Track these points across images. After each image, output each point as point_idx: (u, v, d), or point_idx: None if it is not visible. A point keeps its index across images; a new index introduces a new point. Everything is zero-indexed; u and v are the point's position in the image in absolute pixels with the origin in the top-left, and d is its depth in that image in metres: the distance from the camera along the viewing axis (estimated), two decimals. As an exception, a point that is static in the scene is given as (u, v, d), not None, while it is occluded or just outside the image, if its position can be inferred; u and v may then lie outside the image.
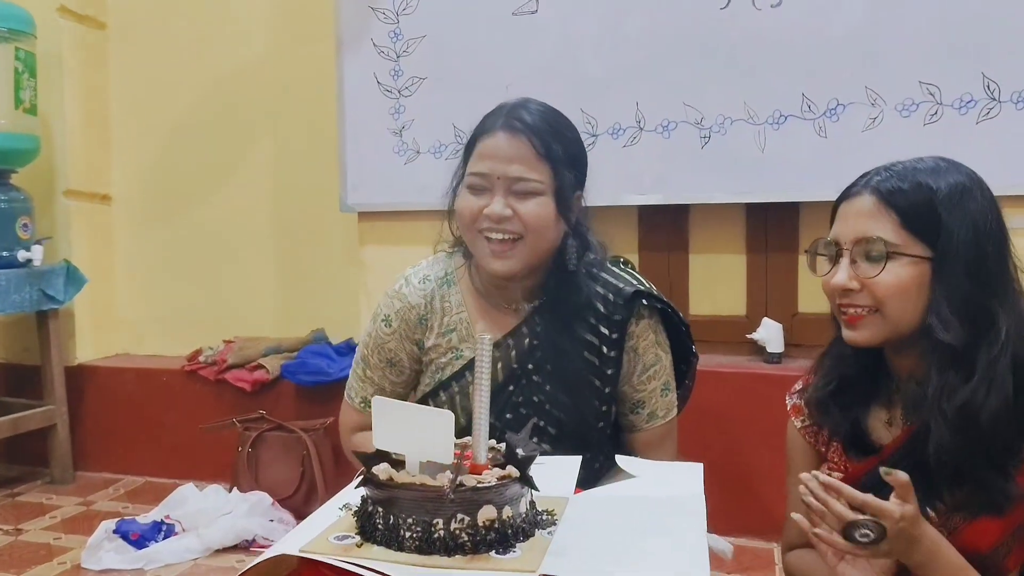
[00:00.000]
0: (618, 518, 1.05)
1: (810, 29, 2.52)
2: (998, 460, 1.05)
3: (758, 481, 2.58)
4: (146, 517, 2.71)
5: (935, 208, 1.08)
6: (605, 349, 1.47)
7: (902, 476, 0.99)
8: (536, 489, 0.99)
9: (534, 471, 0.99)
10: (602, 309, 1.47)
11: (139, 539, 2.57)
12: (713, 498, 1.10)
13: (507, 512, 0.94)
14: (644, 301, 1.49)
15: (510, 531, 0.94)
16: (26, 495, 3.17)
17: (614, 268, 1.53)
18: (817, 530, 1.02)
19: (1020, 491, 1.05)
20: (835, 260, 1.13)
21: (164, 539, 2.60)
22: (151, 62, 3.47)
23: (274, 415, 2.97)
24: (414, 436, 0.98)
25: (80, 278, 3.23)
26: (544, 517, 1.01)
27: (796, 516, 1.06)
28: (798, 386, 1.30)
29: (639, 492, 1.14)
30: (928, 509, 1.06)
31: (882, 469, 1.02)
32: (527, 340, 1.48)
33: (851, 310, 1.12)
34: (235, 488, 2.87)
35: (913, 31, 2.44)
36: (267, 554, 0.94)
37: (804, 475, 1.04)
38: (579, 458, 1.23)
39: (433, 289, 1.54)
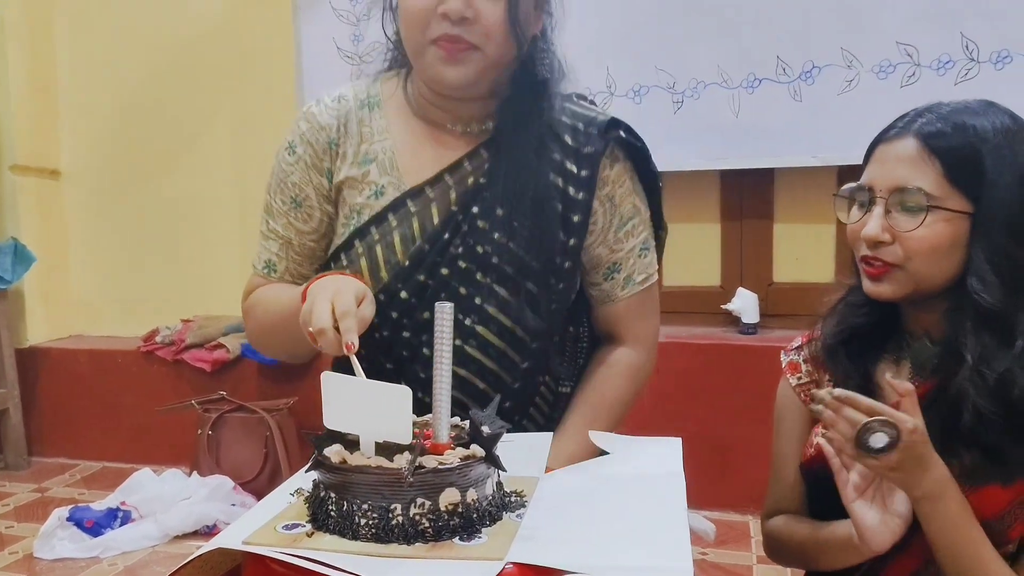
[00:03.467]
0: (593, 498, 0.98)
1: (784, -12, 2.45)
2: (1020, 430, 0.99)
3: (733, 453, 2.53)
4: (101, 504, 2.62)
5: (981, 159, 1.00)
6: (572, 190, 1.21)
7: (906, 384, 0.95)
8: (503, 469, 0.91)
9: (501, 449, 0.91)
10: (569, 141, 1.22)
11: (94, 526, 2.48)
12: (687, 472, 1.04)
13: (471, 495, 0.87)
14: (622, 133, 1.24)
15: (475, 515, 0.87)
16: (-23, 483, 3.06)
17: (581, 100, 1.28)
18: (828, 433, 0.97)
19: None
20: (867, 207, 1.06)
21: (120, 526, 2.51)
22: (101, 29, 3.32)
23: (235, 396, 2.88)
24: (368, 414, 0.89)
25: (28, 256, 3.11)
26: (512, 499, 0.94)
27: (820, 439, 1.00)
28: (796, 342, 1.24)
29: (615, 470, 1.07)
30: None
31: (886, 375, 0.99)
32: (471, 178, 1.21)
33: (877, 263, 1.05)
34: (195, 472, 2.78)
35: (890, -10, 2.38)
36: (208, 546, 0.85)
37: (818, 391, 0.99)
38: (550, 435, 1.14)
39: (350, 110, 1.26)
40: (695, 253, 2.79)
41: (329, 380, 0.91)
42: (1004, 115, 1.04)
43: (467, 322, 1.20)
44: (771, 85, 2.49)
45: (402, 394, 0.87)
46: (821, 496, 1.13)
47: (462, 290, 1.20)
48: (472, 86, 1.16)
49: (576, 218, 1.22)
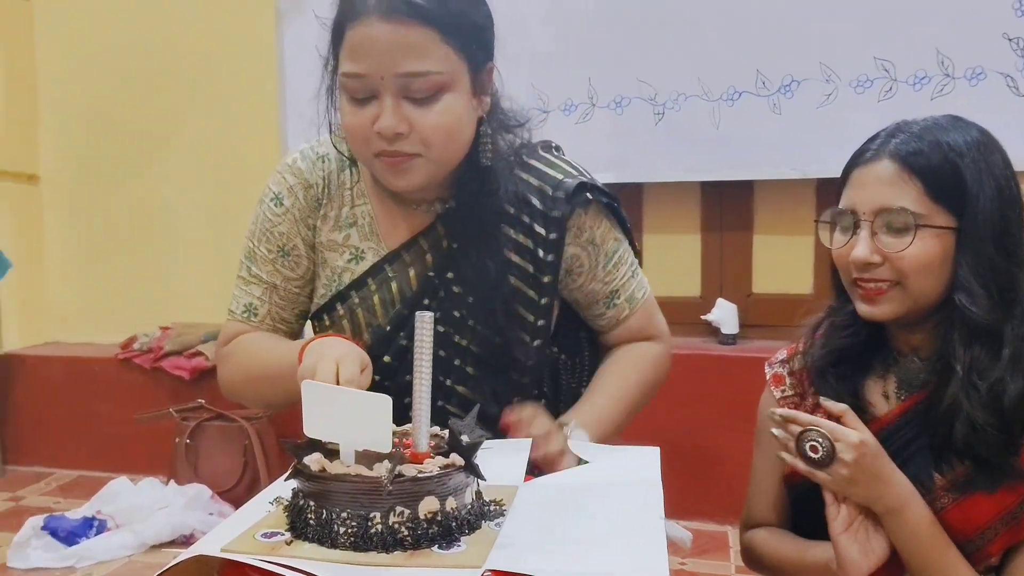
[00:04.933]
0: (571, 507, 0.98)
1: (765, 4, 2.48)
2: (1011, 439, 1.02)
3: (712, 464, 2.54)
4: (76, 513, 2.59)
5: (960, 174, 1.02)
6: (541, 252, 1.23)
7: (839, 404, 1.02)
8: (483, 479, 0.92)
9: (480, 457, 0.91)
10: (538, 204, 1.23)
11: (68, 535, 2.45)
12: (666, 481, 1.05)
13: (451, 503, 0.87)
14: (588, 195, 1.24)
15: (454, 524, 0.87)
16: (-50, 491, 3.01)
17: (546, 155, 1.29)
18: (782, 453, 1.04)
19: (1018, 473, 1.02)
20: (851, 231, 1.07)
21: (96, 535, 2.48)
22: (80, 31, 3.29)
23: (214, 404, 2.85)
24: (348, 423, 0.89)
25: (4, 262, 3.06)
26: (491, 508, 0.94)
27: (776, 432, 1.04)
28: (780, 355, 1.25)
29: (593, 479, 1.07)
30: (926, 480, 1.04)
31: (821, 398, 1.06)
32: (444, 241, 1.24)
33: (871, 284, 1.06)
34: (172, 481, 2.75)
35: (867, 6, 2.41)
36: (186, 554, 0.84)
37: (770, 411, 1.06)
38: (529, 442, 1.15)
39: (332, 171, 1.27)
40: (675, 264, 2.80)
41: (309, 388, 0.91)
42: (973, 129, 1.06)
43: (447, 382, 1.25)
44: (751, 98, 2.51)
45: (382, 403, 0.87)
46: (802, 509, 1.15)
47: (441, 352, 1.21)
48: (422, 188, 1.19)
49: (546, 279, 1.25)
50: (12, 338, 3.31)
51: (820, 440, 0.99)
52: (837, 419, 1.02)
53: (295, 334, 1.35)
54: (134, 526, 2.50)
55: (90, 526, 2.51)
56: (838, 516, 1.02)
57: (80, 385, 3.20)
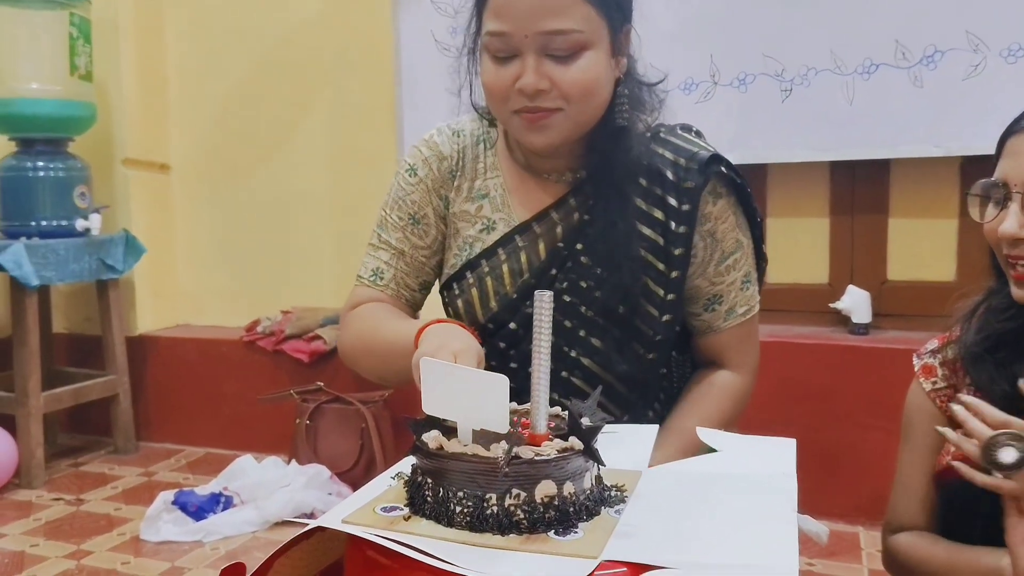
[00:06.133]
0: (698, 495, 0.92)
1: (904, -32, 2.31)
2: None
3: (842, 460, 2.41)
4: (204, 488, 2.68)
5: None
6: (673, 225, 1.21)
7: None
8: (602, 464, 0.87)
9: (602, 441, 0.86)
10: (670, 176, 1.21)
11: (197, 510, 2.54)
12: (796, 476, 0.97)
13: (568, 488, 0.82)
14: (723, 168, 1.21)
15: (571, 509, 0.82)
16: (89, 465, 3.18)
17: (684, 133, 1.27)
18: (956, 462, 0.94)
19: None
20: (1002, 204, 0.99)
21: (223, 511, 2.57)
22: (207, 26, 3.41)
23: (332, 387, 2.91)
24: (465, 401, 0.86)
25: (139, 248, 3.21)
26: (612, 494, 0.89)
27: (950, 435, 0.94)
28: (931, 345, 1.16)
29: (722, 468, 1.01)
30: None
31: (958, 396, 0.95)
32: (576, 214, 1.23)
33: (1022, 263, 0.97)
34: (293, 460, 2.82)
35: (1021, -34, 2.22)
36: (311, 525, 0.84)
37: (955, 400, 0.95)
38: (655, 427, 1.09)
39: (467, 145, 1.30)
40: (801, 249, 2.66)
41: (428, 366, 0.89)
42: None
43: (572, 354, 1.24)
44: (889, 71, 2.35)
45: (500, 382, 0.84)
46: (955, 510, 1.05)
47: (567, 323, 1.23)
48: (559, 147, 1.19)
49: (678, 251, 1.22)
50: (146, 320, 3.46)
51: (1015, 443, 0.87)
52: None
53: (417, 304, 1.36)
54: (258, 503, 2.57)
55: (217, 501, 2.59)
56: (1020, 524, 0.92)
57: (208, 366, 3.33)
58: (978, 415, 0.91)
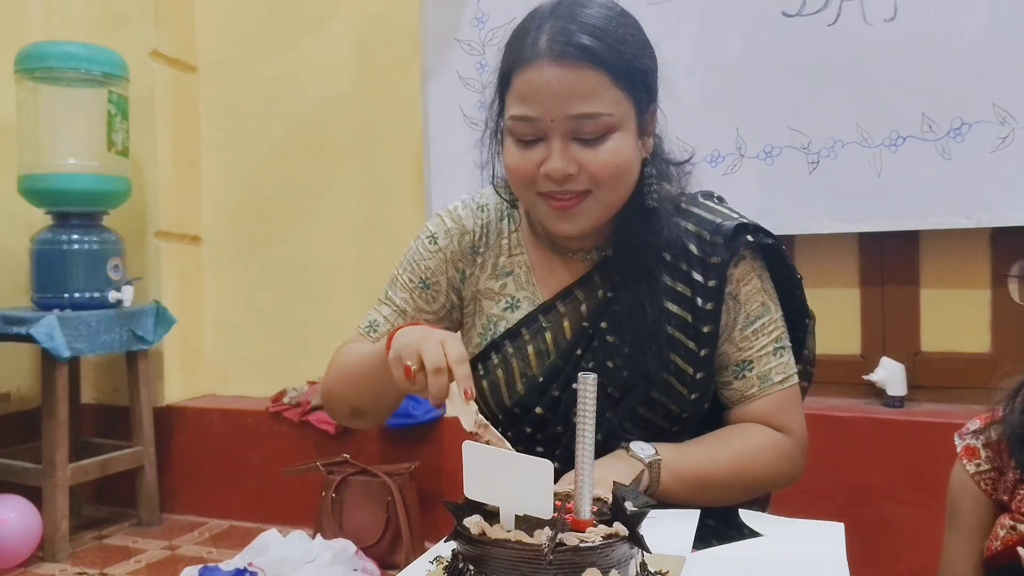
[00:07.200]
0: (746, 584, 0.89)
1: (929, 43, 2.33)
2: None
3: (879, 537, 2.34)
4: (229, 564, 2.64)
5: None
6: (700, 301, 1.18)
7: None
8: (648, 551, 0.85)
9: (646, 526, 0.84)
10: (695, 251, 1.18)
11: (221, 586, 2.50)
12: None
13: (615, 576, 0.80)
14: (749, 237, 1.18)
15: (619, 599, 0.80)
16: (113, 537, 3.15)
17: (706, 202, 1.24)
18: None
19: None
20: None
21: (246, 587, 2.52)
22: (239, 103, 3.50)
23: (358, 459, 2.89)
24: (508, 486, 0.84)
25: (169, 319, 3.23)
26: (658, 582, 0.86)
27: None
28: (973, 425, 1.13)
29: (768, 554, 0.98)
30: None
31: None
32: (600, 291, 1.21)
33: None
34: (318, 534, 2.78)
35: (1045, 41, 2.23)
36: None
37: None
38: (698, 512, 1.06)
39: (491, 220, 1.28)
40: (832, 319, 2.63)
41: (470, 449, 0.87)
42: None
43: (598, 436, 1.18)
44: (916, 143, 2.35)
45: (544, 467, 0.82)
46: None
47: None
48: (590, 232, 1.17)
49: (706, 329, 1.18)
50: (173, 391, 3.46)
51: None
52: None
53: None
54: (282, 579, 2.52)
55: (241, 577, 2.55)
56: None
57: (234, 437, 3.31)
58: None
